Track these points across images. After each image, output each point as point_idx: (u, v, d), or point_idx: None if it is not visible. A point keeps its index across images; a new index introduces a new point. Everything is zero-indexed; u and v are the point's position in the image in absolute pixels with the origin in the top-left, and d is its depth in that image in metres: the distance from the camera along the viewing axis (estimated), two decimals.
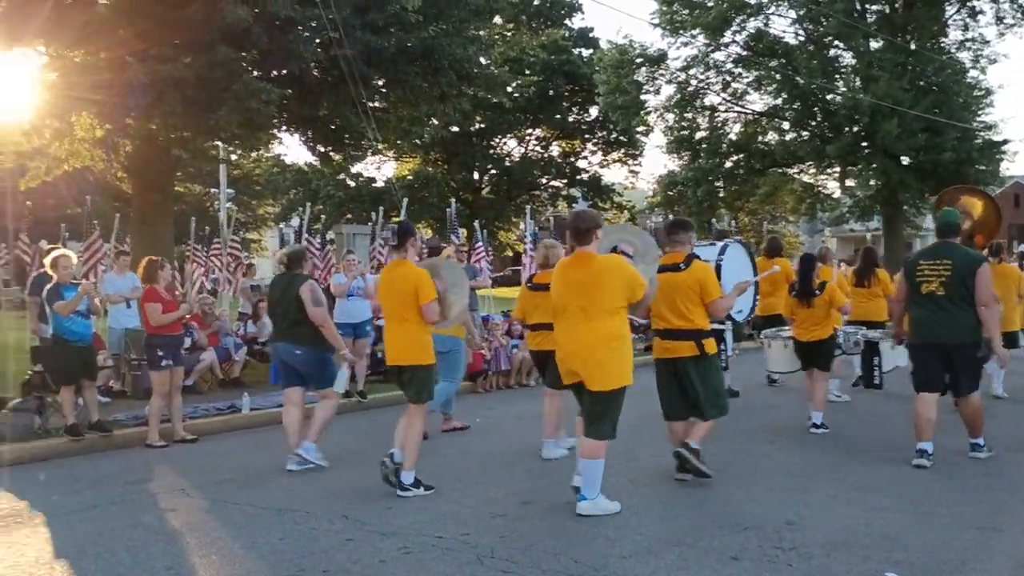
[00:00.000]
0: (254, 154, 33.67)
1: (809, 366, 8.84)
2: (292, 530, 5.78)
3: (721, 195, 38.29)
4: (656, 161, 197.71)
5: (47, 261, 8.90)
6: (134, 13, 13.85)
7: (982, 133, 32.43)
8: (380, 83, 17.71)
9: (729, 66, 35.76)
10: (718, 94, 36.62)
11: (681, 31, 34.22)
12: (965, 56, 33.88)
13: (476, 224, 20.55)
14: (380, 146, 24.79)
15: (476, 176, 45.96)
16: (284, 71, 16.09)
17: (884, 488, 6.50)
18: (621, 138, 44.36)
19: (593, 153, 47.38)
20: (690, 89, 35.96)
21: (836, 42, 33.47)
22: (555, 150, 47.82)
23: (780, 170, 36.86)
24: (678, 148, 37.20)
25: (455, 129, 39.48)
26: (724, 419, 6.76)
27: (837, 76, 33.63)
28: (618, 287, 5.76)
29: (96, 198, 22.61)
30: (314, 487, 6.93)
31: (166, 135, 14.96)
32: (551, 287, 6.15)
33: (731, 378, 10.07)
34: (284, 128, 18.70)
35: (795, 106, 34.41)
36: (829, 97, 33.09)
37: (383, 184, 42.56)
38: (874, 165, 31.45)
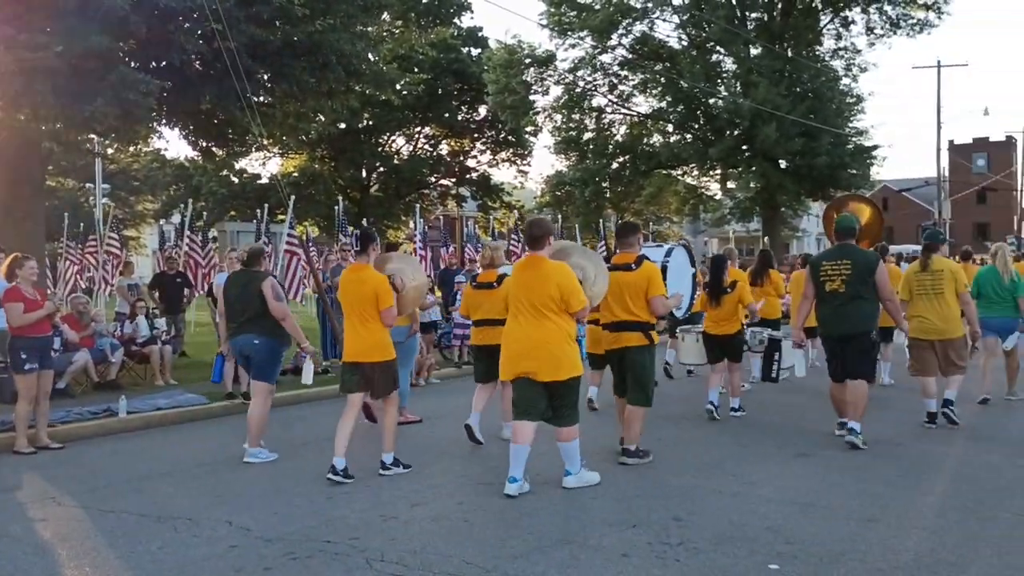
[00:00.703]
0: (132, 148, 32.45)
1: (721, 358, 9.54)
2: (172, 538, 5.57)
3: (608, 195, 38.85)
4: (544, 161, 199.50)
5: None
6: None
7: (854, 139, 33.84)
8: (265, 77, 17.26)
9: (616, 69, 36.31)
10: (605, 96, 37.17)
11: (569, 33, 34.56)
12: (838, 64, 35.36)
13: (364, 222, 20.35)
14: (265, 142, 24.21)
15: (364, 174, 45.45)
16: (164, 62, 15.52)
17: (767, 482, 6.68)
18: (510, 138, 44.54)
19: (482, 152, 47.45)
20: (578, 90, 36.37)
21: (718, 47, 34.39)
22: (444, 149, 47.68)
23: (665, 171, 37.67)
24: (566, 149, 37.59)
25: (343, 126, 38.92)
26: (613, 416, 6.91)
27: (719, 81, 34.57)
28: (556, 293, 6.31)
29: None
30: (196, 492, 6.70)
31: (36, 127, 14.27)
32: (509, 287, 6.73)
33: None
34: (164, 122, 18.04)
35: (679, 109, 35.20)
36: (711, 101, 33.96)
37: (268, 181, 41.67)
38: (754, 168, 32.43)
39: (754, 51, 33.31)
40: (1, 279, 9.34)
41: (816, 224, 67.34)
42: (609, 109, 37.67)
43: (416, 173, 44.88)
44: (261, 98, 17.74)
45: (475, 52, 43.03)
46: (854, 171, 33.55)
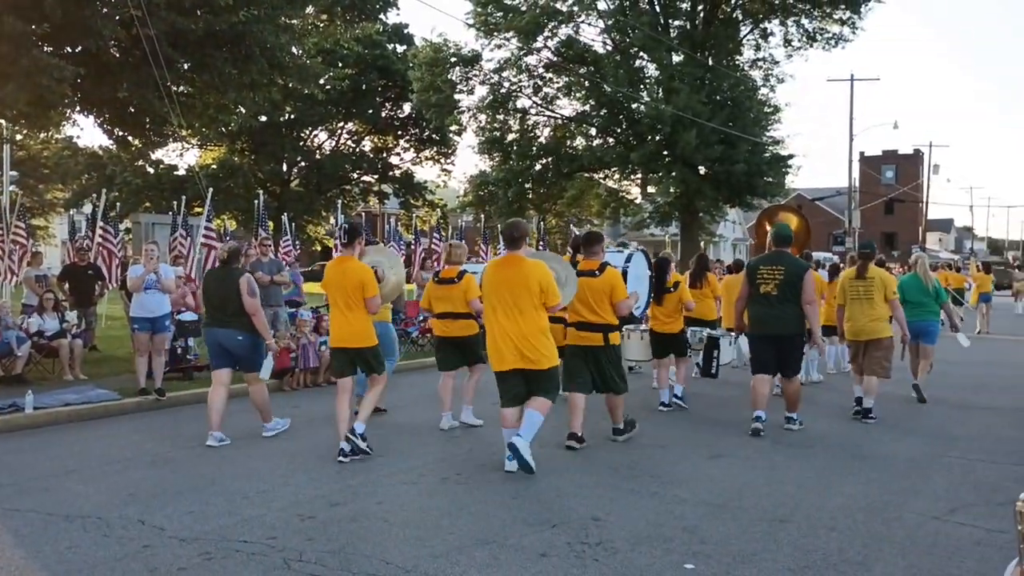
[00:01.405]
0: (43, 135, 31.41)
1: (667, 353, 10.17)
2: (82, 538, 5.41)
3: (530, 197, 39.11)
4: (468, 161, 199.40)
5: None
6: None
7: (771, 147, 34.73)
8: (186, 67, 16.90)
9: (540, 71, 36.57)
10: (529, 98, 37.39)
11: (495, 33, 34.68)
12: (757, 74, 36.33)
13: (284, 217, 20.04)
14: (184, 132, 23.68)
15: (285, 168, 44.86)
16: (79, 48, 15.10)
17: (684, 483, 6.81)
18: (434, 136, 44.46)
19: (406, 150, 47.26)
20: (502, 91, 36.51)
21: (641, 53, 34.90)
22: (367, 145, 47.36)
23: (587, 174, 38.05)
24: (490, 149, 37.70)
25: (264, 119, 38.30)
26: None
27: (642, 86, 35.08)
28: (536, 289, 6.90)
29: None
30: (106, 490, 6.52)
31: None
32: (482, 284, 7.30)
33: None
34: (78, 108, 17.54)
35: (602, 113, 35.62)
36: (634, 106, 34.46)
37: (186, 172, 40.77)
38: (674, 173, 33.00)
39: (676, 58, 33.90)
40: None
41: (733, 230, 68.88)
42: (533, 111, 37.91)
43: (338, 169, 44.48)
44: (181, 88, 17.38)
45: (400, 49, 42.83)
46: (770, 179, 34.44)
